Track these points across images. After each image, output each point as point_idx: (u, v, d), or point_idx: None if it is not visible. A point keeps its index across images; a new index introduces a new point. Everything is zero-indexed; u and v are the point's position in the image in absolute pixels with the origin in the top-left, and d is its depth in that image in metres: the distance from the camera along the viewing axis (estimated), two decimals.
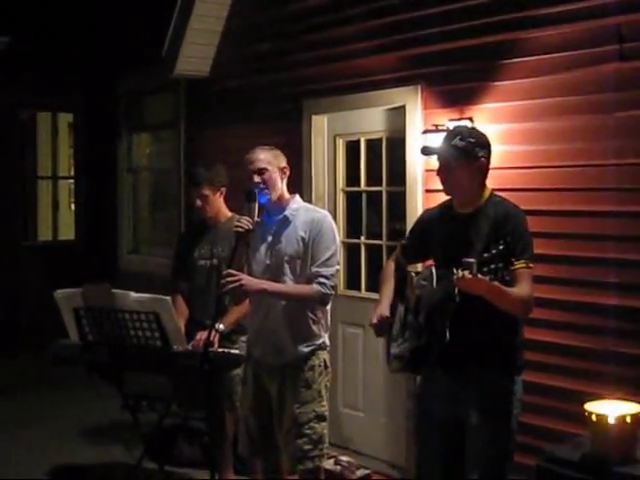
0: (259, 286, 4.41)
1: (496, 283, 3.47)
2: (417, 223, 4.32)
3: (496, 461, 3.82)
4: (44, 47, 10.02)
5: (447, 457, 3.97)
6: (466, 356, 3.80)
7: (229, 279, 4.27)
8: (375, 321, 4.04)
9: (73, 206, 11.74)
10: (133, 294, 4.73)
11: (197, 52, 7.84)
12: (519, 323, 3.88)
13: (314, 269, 4.41)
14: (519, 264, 3.66)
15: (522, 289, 3.65)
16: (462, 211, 3.93)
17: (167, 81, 8.42)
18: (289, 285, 4.46)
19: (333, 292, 4.47)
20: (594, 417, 3.78)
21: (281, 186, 4.54)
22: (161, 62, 7.91)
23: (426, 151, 4.12)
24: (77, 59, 10.03)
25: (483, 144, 3.92)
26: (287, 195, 4.59)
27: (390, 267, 4.32)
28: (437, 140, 5.31)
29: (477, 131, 4.07)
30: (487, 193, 3.94)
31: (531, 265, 3.73)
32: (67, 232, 11.48)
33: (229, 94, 7.79)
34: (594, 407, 3.84)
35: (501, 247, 3.45)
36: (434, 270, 3.76)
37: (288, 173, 4.60)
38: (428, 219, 4.19)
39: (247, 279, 4.34)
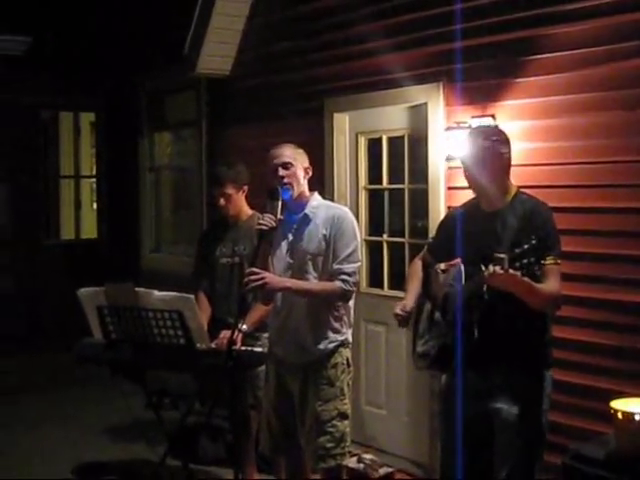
0: (283, 284, 4.40)
1: (526, 279, 3.48)
2: (443, 222, 4.34)
3: (524, 459, 3.83)
4: (66, 47, 10.06)
5: (472, 455, 3.95)
6: (494, 353, 3.81)
7: (252, 277, 4.27)
8: (398, 311, 4.09)
9: (95, 205, 11.78)
10: (156, 292, 4.74)
11: (218, 51, 7.84)
12: (547, 320, 3.89)
13: (336, 266, 4.41)
14: (548, 260, 3.68)
15: (551, 285, 3.68)
16: (489, 209, 3.95)
17: (188, 80, 8.43)
18: (312, 282, 4.45)
19: (355, 288, 4.48)
20: (620, 415, 3.75)
21: (303, 184, 4.56)
22: (182, 61, 7.92)
23: (449, 158, 4.15)
24: (99, 59, 10.05)
25: (505, 141, 3.97)
26: (307, 193, 4.59)
27: (417, 265, 4.35)
28: (460, 137, 5.33)
29: (498, 129, 4.13)
30: (513, 190, 3.96)
31: (559, 262, 3.74)
32: (89, 231, 11.53)
33: (250, 93, 7.80)
34: (620, 405, 3.81)
35: (533, 242, 3.48)
36: (462, 268, 3.75)
37: (310, 174, 4.62)
38: (454, 218, 4.19)
39: (270, 277, 4.34)
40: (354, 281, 4.44)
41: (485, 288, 3.62)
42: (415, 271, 4.32)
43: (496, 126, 4.22)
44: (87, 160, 12.16)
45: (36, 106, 10.48)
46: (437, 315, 3.93)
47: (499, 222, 3.85)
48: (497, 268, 3.42)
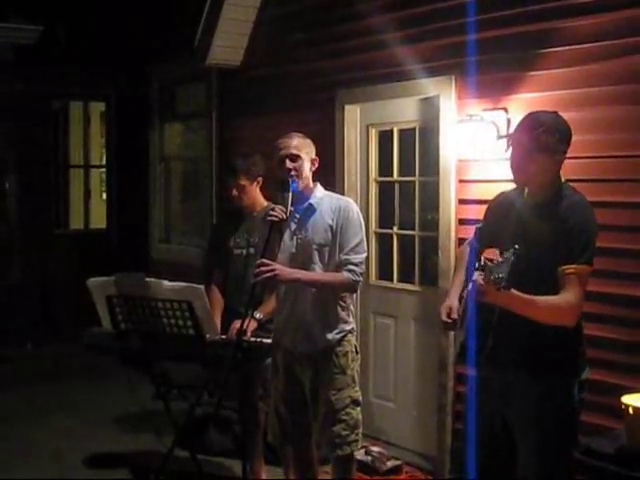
0: (293, 275, 4.40)
1: (513, 292, 3.28)
2: (490, 207, 4.05)
3: (543, 469, 3.71)
4: (77, 37, 10.07)
5: (492, 455, 3.87)
6: (512, 357, 3.67)
7: (263, 269, 4.27)
8: (444, 317, 3.87)
9: (105, 195, 11.79)
10: (166, 282, 4.74)
11: (229, 41, 7.83)
12: (574, 327, 3.64)
13: (343, 257, 4.42)
14: (570, 268, 3.49)
15: (564, 296, 3.48)
16: (531, 200, 3.74)
17: (199, 70, 8.42)
18: (321, 273, 4.47)
19: (362, 279, 4.50)
20: (631, 410, 3.73)
21: (309, 175, 4.57)
22: (193, 51, 7.91)
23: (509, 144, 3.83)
24: (109, 48, 10.05)
25: (564, 138, 3.67)
26: (311, 184, 4.61)
27: (464, 253, 4.12)
28: (469, 129, 5.32)
29: (562, 123, 3.73)
30: (558, 182, 3.71)
31: (584, 270, 3.52)
32: (99, 221, 11.54)
33: (261, 84, 7.78)
34: (631, 400, 3.80)
35: (506, 256, 3.22)
36: (487, 263, 3.38)
37: (317, 165, 4.63)
38: (501, 203, 3.95)
39: (281, 268, 4.34)
40: (361, 271, 4.45)
41: None
42: (460, 262, 4.12)
43: (557, 116, 3.83)
44: (97, 150, 12.18)
45: (46, 96, 10.50)
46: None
47: (536, 217, 3.66)
48: (480, 278, 3.25)
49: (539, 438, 3.71)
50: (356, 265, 4.42)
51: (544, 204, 3.68)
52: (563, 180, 3.74)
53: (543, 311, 3.47)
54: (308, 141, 4.62)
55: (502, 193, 4.03)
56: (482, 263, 3.26)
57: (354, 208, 4.55)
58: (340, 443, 4.46)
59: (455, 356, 3.93)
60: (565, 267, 3.49)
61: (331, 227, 4.47)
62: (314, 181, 4.64)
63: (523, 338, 3.62)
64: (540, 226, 3.63)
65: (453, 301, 3.90)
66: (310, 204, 4.54)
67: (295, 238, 4.54)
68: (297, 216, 4.55)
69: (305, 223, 4.53)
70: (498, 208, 3.94)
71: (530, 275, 3.48)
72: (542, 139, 3.60)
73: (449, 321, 3.86)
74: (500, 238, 3.76)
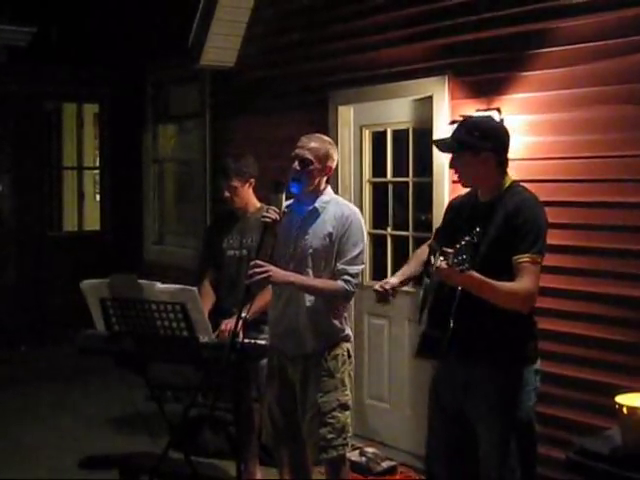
0: (286, 278, 4.39)
1: (473, 274, 3.45)
2: (447, 210, 4.29)
3: (504, 454, 3.78)
4: (70, 38, 10.05)
5: (456, 444, 3.96)
6: (471, 346, 3.79)
7: (257, 270, 4.26)
8: (377, 287, 4.05)
9: (98, 197, 11.77)
10: (159, 284, 4.72)
11: (223, 43, 7.84)
12: (526, 315, 3.79)
13: (340, 266, 4.40)
14: (524, 257, 3.64)
15: (519, 283, 3.62)
16: (482, 200, 3.93)
17: (192, 72, 8.43)
18: (315, 279, 4.44)
19: (357, 290, 4.48)
20: (625, 410, 3.73)
21: (317, 182, 4.51)
22: (187, 53, 7.91)
23: (439, 147, 4.08)
24: (103, 50, 10.04)
25: (489, 135, 3.85)
26: (321, 186, 4.55)
27: (422, 249, 4.28)
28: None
29: (487, 122, 4.05)
30: (507, 182, 3.90)
31: (538, 260, 3.67)
32: (92, 223, 11.52)
33: (254, 85, 7.78)
34: (625, 400, 3.80)
35: (467, 238, 3.40)
36: (438, 256, 3.62)
37: (331, 173, 4.57)
38: (455, 206, 4.17)
39: (274, 270, 4.32)
40: (357, 282, 4.43)
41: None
42: (417, 255, 4.29)
43: (486, 118, 4.13)
44: (90, 151, 12.16)
45: (39, 97, 10.48)
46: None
47: (487, 214, 3.81)
48: (443, 263, 3.41)
49: (501, 426, 3.79)
50: (352, 276, 4.39)
51: (494, 203, 3.84)
52: (512, 180, 3.91)
53: (501, 294, 3.62)
54: (327, 146, 4.53)
55: (458, 196, 4.25)
56: (443, 250, 3.44)
57: (358, 217, 4.50)
58: (325, 446, 4.43)
59: (415, 349, 3.96)
60: (519, 257, 3.65)
61: (330, 235, 4.43)
62: (326, 183, 4.59)
63: (482, 328, 3.75)
64: (491, 222, 3.76)
65: (393, 279, 4.09)
66: (314, 208, 4.51)
67: (295, 239, 4.52)
68: (302, 218, 4.53)
69: (307, 227, 4.50)
70: (453, 210, 4.15)
71: (483, 270, 3.57)
72: (461, 138, 3.85)
73: (380, 290, 4.02)
74: (455, 237, 3.84)
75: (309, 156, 4.44)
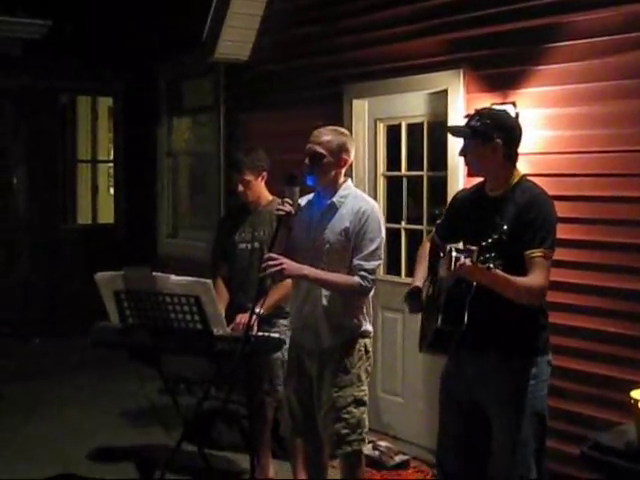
0: (300, 271, 4.37)
1: (498, 272, 3.45)
2: (451, 203, 4.29)
3: (519, 445, 3.81)
4: (84, 31, 10.07)
5: (467, 438, 3.99)
6: (485, 339, 3.81)
7: (270, 263, 4.25)
8: (409, 298, 4.08)
9: (112, 190, 11.79)
10: (174, 277, 4.73)
11: (237, 36, 7.82)
12: (539, 307, 3.84)
13: (356, 261, 4.36)
14: (536, 252, 3.67)
15: (533, 278, 3.65)
16: (491, 194, 3.93)
17: (207, 65, 8.42)
18: (330, 273, 4.40)
19: (373, 285, 4.44)
20: None
21: (333, 174, 4.47)
22: (201, 46, 7.90)
23: (451, 131, 4.14)
24: (117, 43, 10.05)
25: (501, 126, 3.87)
26: (340, 179, 4.51)
27: (426, 247, 4.32)
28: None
29: (500, 113, 4.09)
30: (517, 177, 3.90)
31: (550, 254, 3.71)
32: (106, 215, 11.56)
33: (269, 78, 7.78)
34: None
35: (496, 237, 3.43)
36: (454, 253, 3.70)
37: (347, 165, 4.52)
38: (461, 200, 4.17)
39: (288, 263, 4.31)
40: (373, 278, 4.39)
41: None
42: (423, 253, 4.30)
43: (500, 110, 4.19)
44: (104, 145, 12.19)
45: (54, 90, 10.52)
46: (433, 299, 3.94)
47: (497, 208, 3.82)
48: (467, 260, 3.40)
49: (517, 417, 3.81)
50: (369, 272, 4.35)
51: (504, 197, 3.85)
52: (521, 175, 3.92)
53: (518, 290, 3.64)
54: (341, 139, 4.49)
55: (463, 190, 4.31)
56: (467, 247, 3.45)
57: (375, 212, 4.46)
58: (340, 442, 4.42)
59: (426, 344, 3.97)
60: (532, 251, 3.68)
61: (347, 229, 4.40)
62: (346, 177, 4.57)
63: (496, 322, 3.79)
64: (502, 217, 3.75)
65: (418, 284, 4.11)
66: (332, 203, 4.48)
67: (313, 232, 4.49)
68: (320, 212, 4.50)
69: (325, 222, 4.47)
70: (459, 204, 4.16)
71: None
72: (473, 125, 3.87)
73: (408, 296, 4.09)
74: (463, 232, 3.96)
75: (320, 150, 4.42)
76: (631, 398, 3.68)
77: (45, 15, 9.54)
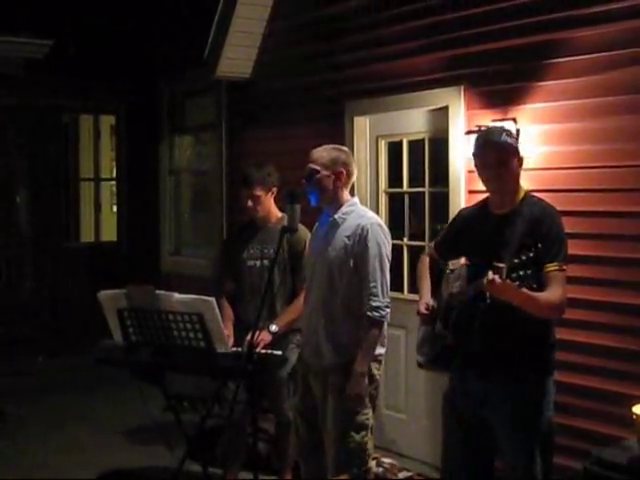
0: None
1: (524, 289, 3.46)
2: (453, 221, 4.31)
3: (528, 463, 3.79)
4: (87, 50, 10.09)
5: (473, 456, 3.97)
6: (495, 357, 3.80)
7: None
8: (423, 309, 4.09)
9: (115, 208, 11.80)
10: (177, 295, 4.74)
11: (239, 54, 7.85)
12: (550, 324, 3.86)
13: (365, 290, 4.37)
14: (552, 266, 3.68)
15: (553, 293, 3.65)
16: (498, 211, 3.92)
17: (209, 83, 8.46)
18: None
19: (388, 308, 4.44)
20: None
21: (333, 189, 4.48)
22: (203, 64, 7.93)
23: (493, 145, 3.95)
24: (119, 62, 10.08)
25: (517, 143, 3.95)
26: (345, 197, 4.53)
27: (425, 262, 4.35)
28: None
29: (509, 130, 4.14)
30: (522, 193, 3.92)
31: (564, 267, 3.71)
32: (109, 233, 11.54)
33: (271, 96, 7.80)
34: None
35: (531, 254, 3.46)
36: (467, 270, 3.72)
37: (345, 178, 4.52)
38: (464, 218, 4.18)
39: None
40: (385, 301, 4.40)
41: (488, 293, 3.59)
42: (424, 269, 4.32)
43: (503, 127, 4.23)
44: (107, 163, 12.18)
45: (57, 109, 10.53)
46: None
47: (507, 225, 3.82)
48: (496, 277, 3.41)
49: (526, 438, 3.80)
50: (378, 308, 4.36)
51: (512, 213, 3.85)
52: (525, 191, 3.94)
53: (542, 306, 3.64)
54: (333, 153, 4.53)
55: (464, 209, 4.33)
56: (495, 265, 3.43)
57: (375, 228, 4.44)
58: (341, 465, 4.38)
59: (428, 360, 3.98)
60: (548, 266, 3.68)
61: (346, 247, 4.40)
62: (350, 194, 4.59)
63: (506, 342, 3.78)
64: (512, 233, 3.76)
65: (428, 299, 4.13)
66: (334, 220, 4.50)
67: (319, 252, 4.52)
68: (324, 230, 4.52)
69: (328, 239, 4.48)
70: (463, 221, 4.16)
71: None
72: (510, 142, 3.86)
73: (426, 313, 4.10)
74: (468, 249, 3.96)
75: (313, 166, 4.46)
76: (634, 413, 3.69)
77: (48, 34, 9.56)
